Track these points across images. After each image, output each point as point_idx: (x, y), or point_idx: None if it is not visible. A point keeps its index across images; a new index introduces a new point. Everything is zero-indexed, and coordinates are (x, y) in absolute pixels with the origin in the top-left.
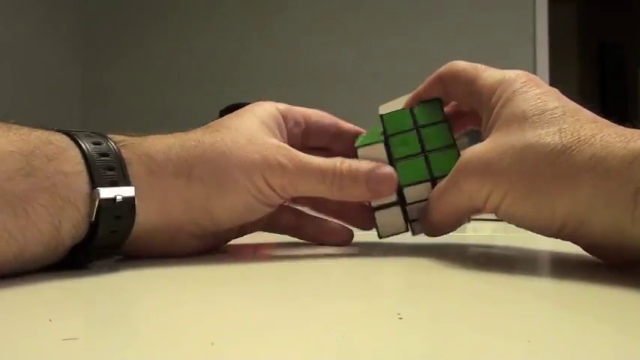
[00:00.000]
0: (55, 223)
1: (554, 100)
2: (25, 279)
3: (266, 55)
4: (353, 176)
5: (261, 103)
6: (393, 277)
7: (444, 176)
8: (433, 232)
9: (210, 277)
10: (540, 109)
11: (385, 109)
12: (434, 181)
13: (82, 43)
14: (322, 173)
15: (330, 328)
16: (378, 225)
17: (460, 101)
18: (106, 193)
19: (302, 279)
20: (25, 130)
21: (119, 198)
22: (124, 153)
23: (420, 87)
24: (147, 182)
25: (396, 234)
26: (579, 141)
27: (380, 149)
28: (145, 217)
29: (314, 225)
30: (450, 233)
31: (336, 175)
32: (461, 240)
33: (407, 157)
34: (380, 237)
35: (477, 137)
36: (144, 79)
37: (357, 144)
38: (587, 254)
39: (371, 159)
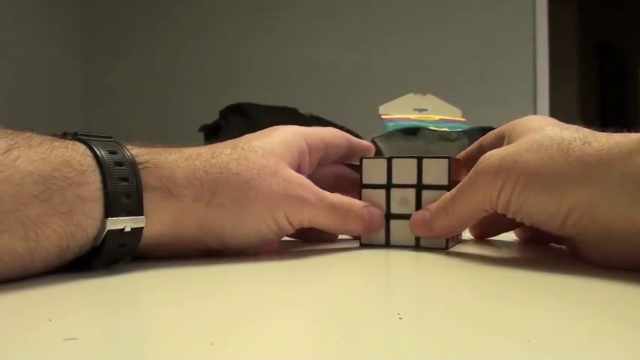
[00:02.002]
0: (63, 245)
1: (570, 125)
2: (25, 279)
3: (266, 55)
4: (357, 215)
5: (287, 128)
6: (393, 276)
7: (430, 157)
8: (436, 233)
9: (211, 277)
10: (557, 122)
11: (385, 109)
12: (420, 160)
13: (82, 43)
14: (335, 209)
15: (331, 328)
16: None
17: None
18: (116, 223)
19: (301, 279)
20: (46, 146)
21: (127, 229)
22: (145, 177)
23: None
24: (161, 207)
25: (376, 245)
26: (595, 135)
27: (382, 165)
28: (153, 236)
29: None
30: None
31: (346, 210)
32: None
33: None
34: (360, 244)
35: (476, 137)
36: (144, 79)
37: (364, 160)
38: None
39: (373, 172)
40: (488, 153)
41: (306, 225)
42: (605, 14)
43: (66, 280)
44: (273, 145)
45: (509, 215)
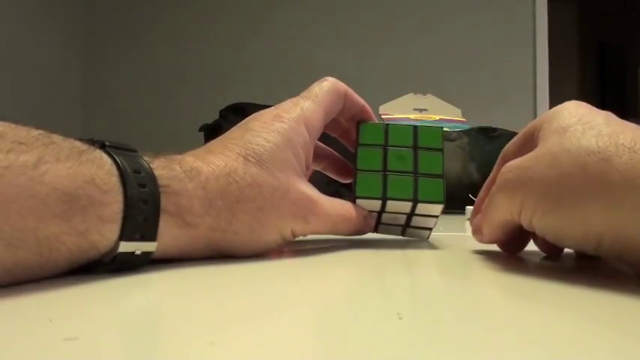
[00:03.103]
0: (74, 259)
1: (600, 113)
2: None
3: (266, 55)
4: (355, 225)
5: (289, 119)
6: (393, 277)
7: (424, 201)
8: (485, 240)
9: (210, 277)
10: (583, 120)
11: (385, 109)
12: (415, 203)
13: (82, 43)
14: (336, 220)
15: (330, 328)
16: None
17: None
18: (127, 247)
19: (301, 279)
20: (73, 160)
21: (138, 252)
22: (163, 201)
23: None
24: (175, 234)
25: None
26: (617, 145)
27: (377, 204)
28: (162, 253)
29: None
30: (450, 233)
31: (344, 221)
32: (460, 239)
33: (399, 172)
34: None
35: (476, 137)
36: (144, 79)
37: (357, 193)
38: (591, 256)
39: (367, 206)
40: (509, 164)
41: (310, 234)
42: (605, 14)
43: (66, 280)
44: (280, 155)
45: (539, 235)
